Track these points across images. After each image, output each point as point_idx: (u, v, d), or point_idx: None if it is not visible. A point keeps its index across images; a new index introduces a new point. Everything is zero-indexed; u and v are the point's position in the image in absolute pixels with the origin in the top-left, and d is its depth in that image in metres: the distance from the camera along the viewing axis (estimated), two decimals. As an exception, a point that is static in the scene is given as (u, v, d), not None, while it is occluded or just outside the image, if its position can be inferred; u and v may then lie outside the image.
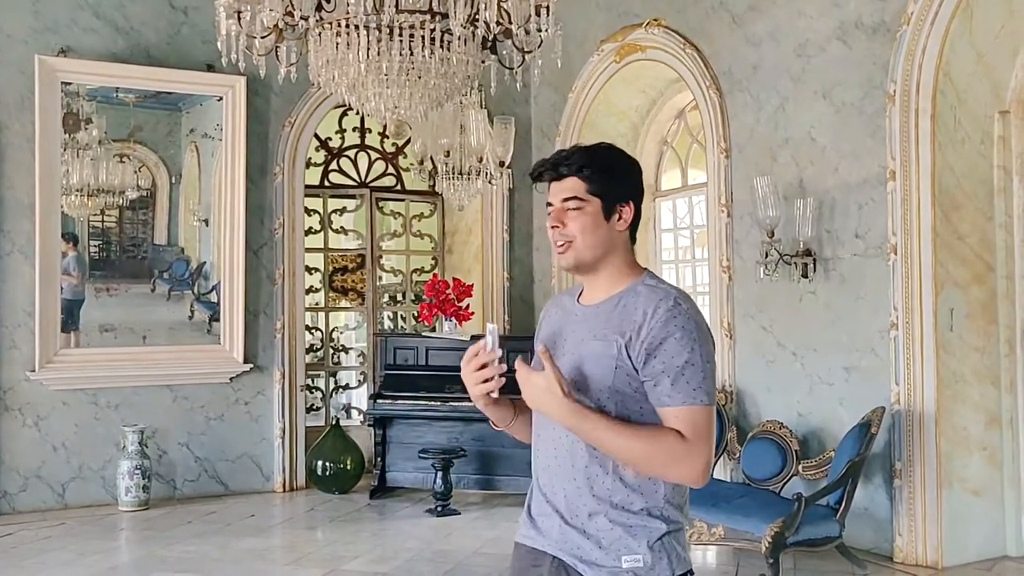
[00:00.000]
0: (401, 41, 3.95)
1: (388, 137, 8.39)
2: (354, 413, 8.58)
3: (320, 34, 4.10)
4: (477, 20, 3.98)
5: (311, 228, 8.03)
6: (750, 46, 6.21)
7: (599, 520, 2.06)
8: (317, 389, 8.25)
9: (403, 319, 8.82)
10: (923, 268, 5.14)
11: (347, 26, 4.01)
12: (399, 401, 7.01)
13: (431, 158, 7.00)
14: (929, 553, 5.07)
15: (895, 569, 5.11)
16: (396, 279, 8.73)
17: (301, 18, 3.96)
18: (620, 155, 2.21)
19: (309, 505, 6.97)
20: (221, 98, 7.18)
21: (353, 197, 8.47)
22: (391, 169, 8.54)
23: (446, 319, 7.28)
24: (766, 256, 5.83)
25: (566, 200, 2.13)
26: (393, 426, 7.15)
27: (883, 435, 5.18)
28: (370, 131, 8.45)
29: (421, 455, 6.73)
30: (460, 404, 6.77)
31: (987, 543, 5.21)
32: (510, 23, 4.05)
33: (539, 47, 4.15)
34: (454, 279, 7.49)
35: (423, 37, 3.98)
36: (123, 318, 7.00)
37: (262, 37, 4.00)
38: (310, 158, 7.94)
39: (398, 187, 8.56)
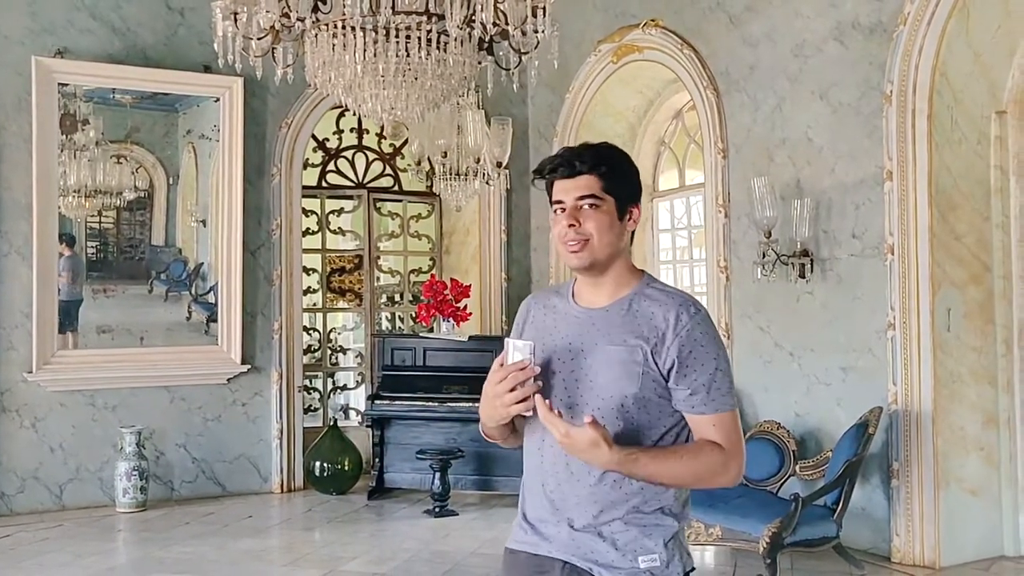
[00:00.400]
0: (397, 42, 3.95)
1: (385, 138, 8.38)
2: (352, 414, 8.58)
3: (316, 35, 4.10)
4: (473, 21, 3.98)
5: (309, 229, 8.03)
6: (747, 46, 6.21)
7: (615, 522, 2.05)
8: (315, 390, 8.25)
9: (401, 320, 8.82)
10: (920, 268, 5.14)
11: (343, 27, 4.00)
12: (397, 402, 7.01)
13: (428, 159, 7.00)
14: (926, 553, 5.08)
15: (892, 569, 5.11)
16: (394, 280, 8.72)
17: (297, 19, 3.96)
18: (626, 155, 2.18)
19: (307, 506, 6.96)
20: (218, 99, 7.18)
21: (351, 198, 8.46)
22: (389, 170, 8.54)
23: (444, 320, 7.28)
24: (763, 256, 5.83)
25: (582, 198, 2.08)
26: (391, 427, 7.15)
27: (880, 435, 5.18)
28: (367, 132, 8.44)
29: (419, 456, 6.73)
30: (458, 405, 6.78)
31: (984, 543, 5.21)
32: (507, 24, 4.05)
33: (536, 48, 4.14)
34: (452, 280, 7.48)
35: (419, 38, 3.98)
36: (120, 319, 7.00)
37: (258, 38, 4.00)
38: (307, 159, 7.94)
39: (396, 188, 8.55)
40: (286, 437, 7.38)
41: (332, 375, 8.43)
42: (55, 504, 6.69)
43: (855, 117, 5.50)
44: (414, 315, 8.06)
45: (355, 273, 8.55)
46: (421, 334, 7.53)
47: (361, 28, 3.94)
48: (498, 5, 4.04)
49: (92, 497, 6.79)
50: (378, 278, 8.57)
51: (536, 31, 4.07)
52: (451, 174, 6.88)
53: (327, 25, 4.06)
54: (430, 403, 6.93)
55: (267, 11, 3.83)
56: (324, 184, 8.32)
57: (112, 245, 7.16)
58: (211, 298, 7.27)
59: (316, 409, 8.26)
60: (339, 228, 8.42)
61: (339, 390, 8.52)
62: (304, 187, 7.75)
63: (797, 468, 5.45)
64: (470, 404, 6.59)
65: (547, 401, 1.99)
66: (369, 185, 8.43)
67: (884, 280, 5.29)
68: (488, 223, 8.26)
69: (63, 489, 6.73)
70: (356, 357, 8.71)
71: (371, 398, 7.16)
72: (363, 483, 7.28)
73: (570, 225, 2.08)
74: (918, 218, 5.14)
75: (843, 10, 5.57)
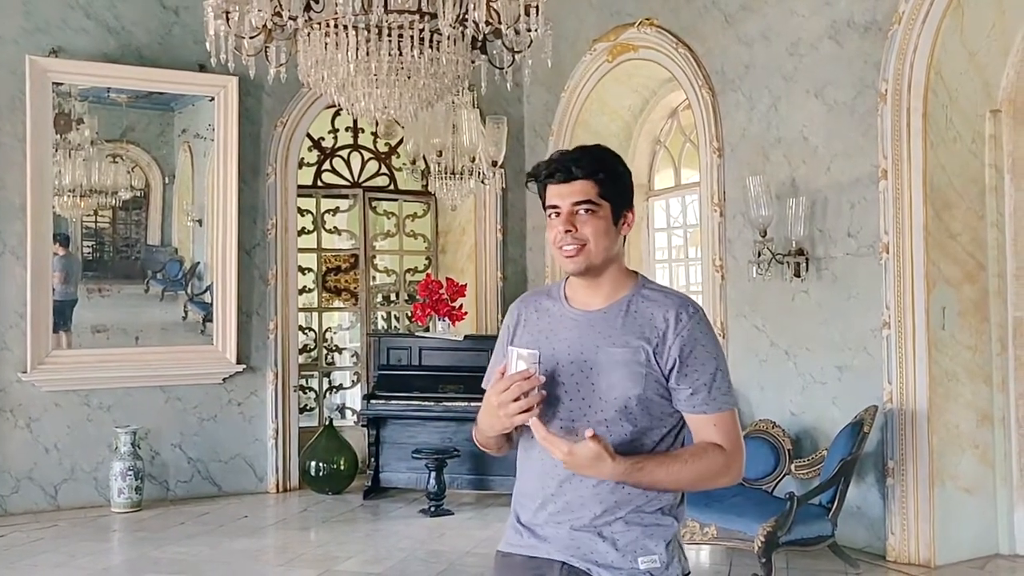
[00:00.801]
0: (390, 41, 3.94)
1: (380, 137, 8.37)
2: (348, 413, 8.57)
3: (309, 34, 4.09)
4: (466, 20, 3.97)
5: (304, 228, 8.02)
6: (742, 45, 6.21)
7: (617, 522, 2.05)
8: (311, 390, 8.24)
9: (397, 319, 8.81)
10: (915, 267, 5.14)
11: (336, 26, 4.00)
12: (393, 401, 6.99)
13: (423, 158, 6.99)
14: (922, 551, 5.08)
15: (888, 568, 5.11)
16: (389, 279, 8.71)
17: (290, 18, 3.95)
18: (620, 159, 2.17)
19: (302, 506, 6.95)
20: (213, 98, 7.17)
21: (346, 197, 8.45)
22: (384, 169, 8.53)
23: (439, 319, 7.27)
24: (759, 255, 5.83)
25: (578, 204, 2.07)
26: (387, 426, 7.14)
27: (875, 434, 5.18)
28: (363, 131, 8.43)
29: (414, 455, 6.72)
30: (454, 404, 6.77)
31: (979, 541, 5.21)
32: (500, 23, 4.04)
33: (529, 47, 4.14)
34: (447, 279, 7.47)
35: (412, 37, 3.97)
36: (116, 319, 6.98)
37: (251, 37, 3.99)
38: (303, 158, 7.92)
39: (391, 187, 8.54)
40: (282, 437, 7.37)
41: (328, 375, 8.42)
42: (50, 504, 6.68)
43: (850, 116, 5.50)
44: (410, 314, 8.05)
45: (351, 272, 8.53)
46: (417, 333, 7.52)
47: (353, 27, 3.94)
48: (491, 4, 4.03)
49: (87, 497, 6.77)
50: (374, 277, 8.56)
51: (529, 30, 4.06)
52: (446, 173, 6.87)
53: (319, 24, 4.05)
54: (426, 402, 6.92)
55: (259, 10, 3.83)
56: (319, 183, 8.30)
57: (108, 245, 7.14)
58: (207, 298, 7.25)
59: (312, 409, 8.25)
60: (335, 227, 8.41)
61: (335, 389, 8.51)
62: (299, 186, 7.74)
63: (792, 467, 5.44)
64: (466, 403, 6.59)
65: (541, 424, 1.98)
66: (365, 184, 8.42)
67: (879, 279, 5.29)
68: (484, 222, 8.25)
69: (58, 489, 6.72)
70: (352, 356, 8.69)
71: (367, 397, 7.14)
72: (359, 483, 7.27)
73: (567, 231, 2.08)
74: (913, 217, 5.14)
75: (838, 9, 5.56)
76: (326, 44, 4.02)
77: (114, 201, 7.08)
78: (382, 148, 8.52)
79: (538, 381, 1.99)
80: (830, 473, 4.92)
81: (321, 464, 7.20)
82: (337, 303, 8.66)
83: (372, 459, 7.13)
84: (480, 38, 4.19)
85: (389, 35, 3.94)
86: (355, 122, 8.34)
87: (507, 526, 2.22)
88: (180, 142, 7.35)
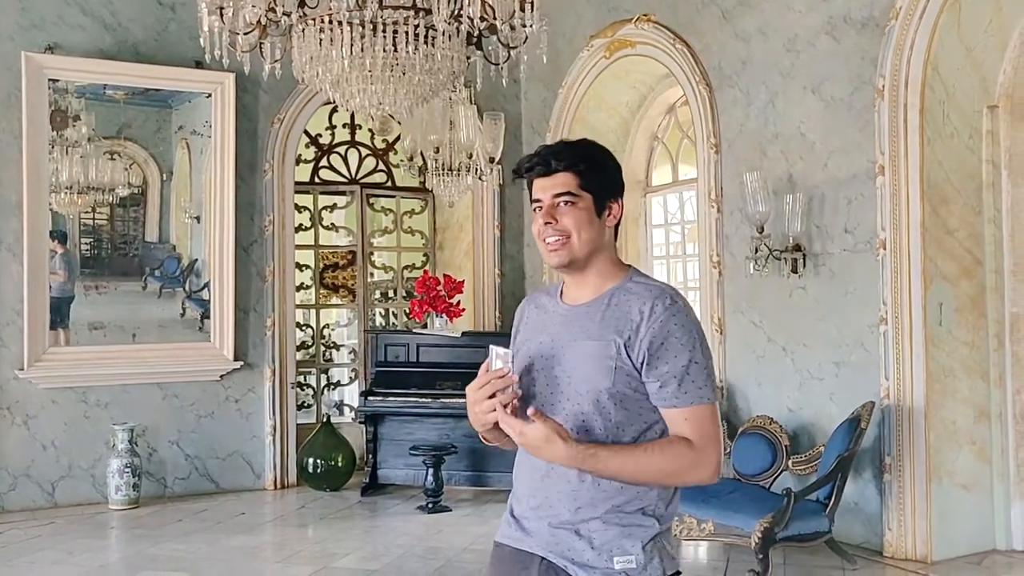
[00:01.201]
0: (385, 37, 3.93)
1: (377, 133, 8.36)
2: (345, 410, 8.57)
3: (303, 30, 4.08)
4: (461, 16, 3.96)
5: (301, 225, 8.01)
6: (739, 41, 6.20)
7: (593, 521, 2.03)
8: (308, 386, 8.24)
9: (394, 316, 8.80)
10: (912, 263, 5.13)
11: (330, 22, 3.99)
12: (390, 398, 6.99)
13: (421, 154, 6.98)
14: (919, 547, 5.07)
15: (885, 563, 5.11)
16: (387, 276, 8.71)
17: (284, 14, 3.94)
18: (606, 151, 2.17)
19: (300, 502, 6.95)
20: (210, 95, 7.15)
21: (344, 194, 8.44)
22: (381, 166, 8.52)
23: (437, 316, 7.27)
24: (756, 251, 5.82)
25: (559, 196, 2.08)
26: (384, 423, 7.13)
27: (873, 430, 5.17)
28: (360, 128, 8.42)
29: (412, 452, 6.72)
30: (451, 401, 6.76)
31: (976, 536, 5.21)
32: (495, 19, 4.03)
33: (525, 43, 4.13)
34: (445, 275, 7.47)
35: (407, 33, 3.96)
36: (113, 316, 6.98)
37: (245, 33, 3.98)
38: (300, 155, 7.91)
39: (389, 184, 8.54)
40: (279, 433, 7.37)
41: (325, 371, 8.42)
42: (47, 502, 6.68)
43: (847, 112, 5.49)
44: (407, 311, 8.04)
45: (348, 269, 8.53)
46: (414, 330, 7.52)
47: (348, 23, 3.93)
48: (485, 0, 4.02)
49: (84, 494, 6.77)
50: (371, 274, 8.55)
51: (525, 26, 4.05)
52: (444, 170, 6.86)
53: (314, 20, 4.04)
54: (423, 399, 6.92)
55: (253, 5, 3.82)
56: (317, 180, 8.29)
57: (105, 242, 7.13)
58: (205, 295, 7.24)
59: (309, 405, 8.25)
60: (332, 224, 8.40)
61: (332, 386, 8.51)
62: (297, 183, 7.73)
63: (789, 463, 5.45)
64: (463, 400, 6.49)
65: (507, 407, 1.99)
66: (362, 181, 8.41)
67: (876, 275, 5.29)
68: (481, 219, 8.24)
69: (55, 486, 6.72)
70: (349, 353, 8.69)
71: (364, 394, 7.14)
72: (356, 479, 7.27)
73: (547, 223, 2.09)
74: (910, 213, 5.14)
75: (835, 4, 5.55)
76: (320, 40, 4.01)
77: (111, 198, 7.07)
78: (379, 145, 8.51)
79: (511, 380, 2.00)
80: (827, 469, 4.92)
81: (319, 461, 7.20)
82: (335, 300, 8.66)
83: (370, 456, 7.13)
84: (475, 34, 4.17)
85: (384, 31, 3.93)
86: (352, 119, 8.33)
87: (503, 517, 2.24)
88: (177, 139, 7.34)
